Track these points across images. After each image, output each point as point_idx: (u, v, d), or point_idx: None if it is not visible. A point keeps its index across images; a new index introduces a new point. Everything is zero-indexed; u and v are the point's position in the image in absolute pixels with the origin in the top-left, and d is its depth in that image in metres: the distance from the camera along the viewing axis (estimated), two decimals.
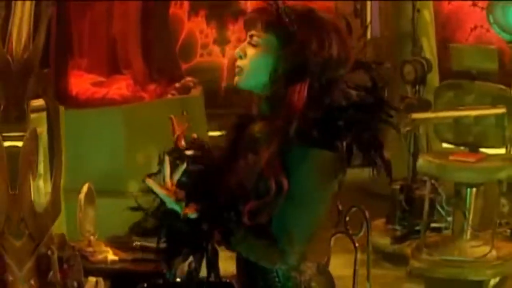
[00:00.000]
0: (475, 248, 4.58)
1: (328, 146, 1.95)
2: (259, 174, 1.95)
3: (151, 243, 3.01)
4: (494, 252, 4.47)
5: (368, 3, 5.77)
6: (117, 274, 2.93)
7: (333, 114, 1.96)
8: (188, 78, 5.44)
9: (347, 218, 2.36)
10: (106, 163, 4.49)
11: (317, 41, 1.98)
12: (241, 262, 2.15)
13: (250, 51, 2.04)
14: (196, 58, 6.57)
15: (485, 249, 4.52)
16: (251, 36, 2.04)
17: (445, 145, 5.14)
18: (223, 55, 6.94)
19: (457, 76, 4.97)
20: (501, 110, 4.47)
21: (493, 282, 4.44)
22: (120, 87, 4.79)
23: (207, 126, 5.19)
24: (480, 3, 6.81)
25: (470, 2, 6.84)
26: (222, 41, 6.93)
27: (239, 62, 2.06)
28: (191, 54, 6.56)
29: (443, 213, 4.93)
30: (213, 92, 6.22)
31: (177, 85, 5.31)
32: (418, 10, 5.11)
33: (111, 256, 3.01)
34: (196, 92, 5.41)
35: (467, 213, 4.60)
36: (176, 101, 5.10)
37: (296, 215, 1.97)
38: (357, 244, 2.48)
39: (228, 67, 6.92)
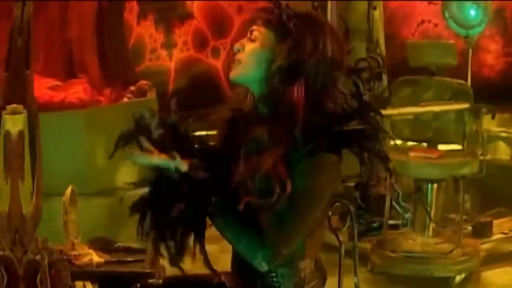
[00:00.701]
0: (438, 245, 4.56)
1: (332, 150, 2.00)
2: (263, 175, 1.98)
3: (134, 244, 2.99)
4: (459, 248, 4.45)
5: (329, 2, 5.71)
6: (104, 276, 2.85)
7: (338, 120, 2.01)
8: (143, 82, 5.39)
9: (330, 213, 2.34)
10: (68, 166, 4.45)
11: (312, 40, 2.05)
12: (238, 261, 2.15)
13: (248, 46, 2.12)
14: (145, 62, 6.42)
15: (448, 245, 4.50)
16: (251, 32, 2.13)
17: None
18: (170, 59, 6.83)
19: (404, 72, 4.92)
20: (464, 106, 4.45)
21: (459, 278, 4.40)
22: (78, 91, 4.72)
23: None
24: None
25: None
26: (169, 45, 6.80)
27: (237, 56, 2.14)
28: (140, 59, 6.40)
29: (400, 210, 4.87)
30: (161, 95, 6.10)
31: (132, 88, 5.25)
32: (375, 8, 5.06)
33: (96, 258, 2.92)
34: (152, 94, 5.33)
35: (428, 209, 4.57)
36: (134, 104, 5.10)
37: (294, 217, 2.00)
38: (341, 239, 2.51)
39: (175, 70, 6.81)
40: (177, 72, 6.83)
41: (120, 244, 3.09)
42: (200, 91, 6.79)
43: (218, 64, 7.04)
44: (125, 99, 5.17)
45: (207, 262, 2.07)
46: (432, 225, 4.63)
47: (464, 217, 4.89)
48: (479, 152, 4.65)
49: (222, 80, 7.07)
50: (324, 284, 2.25)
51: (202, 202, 2.00)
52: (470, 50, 5.41)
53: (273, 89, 2.05)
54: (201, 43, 6.89)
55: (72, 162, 4.54)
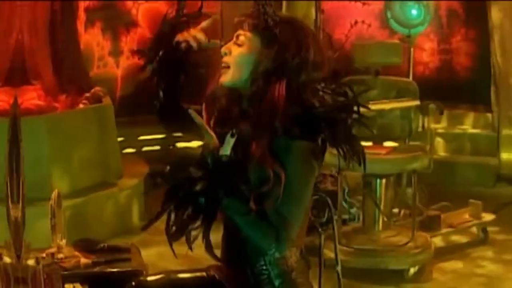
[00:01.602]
0: (390, 238, 4.59)
1: (308, 139, 2.06)
2: (255, 167, 2.02)
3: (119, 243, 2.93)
4: (412, 241, 4.49)
5: (284, 3, 5.73)
6: (94, 277, 2.81)
7: (311, 112, 2.07)
8: (97, 88, 5.32)
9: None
10: (29, 172, 4.26)
11: (296, 44, 2.12)
12: (229, 251, 2.20)
13: (235, 50, 2.17)
14: (93, 70, 6.34)
15: (401, 238, 4.54)
16: (237, 36, 2.18)
17: None
18: (117, 66, 6.77)
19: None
20: (414, 103, 4.50)
21: (412, 270, 4.44)
22: (33, 97, 4.59)
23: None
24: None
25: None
26: (116, 52, 6.75)
27: (224, 59, 2.18)
28: (88, 66, 6.32)
29: (345, 205, 4.90)
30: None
31: (87, 94, 5.17)
32: (323, 11, 5.09)
33: (83, 260, 2.87)
34: (107, 100, 5.27)
35: (378, 203, 4.60)
36: (93, 110, 5.07)
37: (289, 202, 2.05)
38: (320, 230, 2.57)
39: (122, 77, 6.76)
40: (124, 79, 6.78)
41: (104, 244, 3.07)
42: (145, 98, 6.74)
43: None
44: (81, 105, 5.10)
45: (210, 250, 2.04)
46: (382, 220, 4.66)
47: (408, 211, 4.96)
48: (427, 147, 4.70)
49: None
50: (308, 272, 2.30)
51: (219, 191, 1.96)
52: (412, 49, 5.48)
53: (257, 89, 2.12)
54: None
55: (33, 168, 4.40)
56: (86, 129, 5.00)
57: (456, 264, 4.67)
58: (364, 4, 6.86)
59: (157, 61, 2.27)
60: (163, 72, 2.28)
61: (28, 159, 4.39)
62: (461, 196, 5.37)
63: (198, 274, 2.33)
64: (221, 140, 2.02)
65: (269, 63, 2.10)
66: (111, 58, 6.72)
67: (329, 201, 2.55)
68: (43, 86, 4.92)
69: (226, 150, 1.97)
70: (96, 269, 2.86)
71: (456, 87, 6.77)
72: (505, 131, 6.44)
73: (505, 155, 6.46)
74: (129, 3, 6.78)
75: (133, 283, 2.32)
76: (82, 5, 6.03)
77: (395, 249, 4.45)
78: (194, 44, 2.23)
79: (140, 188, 5.38)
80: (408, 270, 4.42)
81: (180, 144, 6.81)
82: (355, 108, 2.09)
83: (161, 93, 2.31)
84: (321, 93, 2.11)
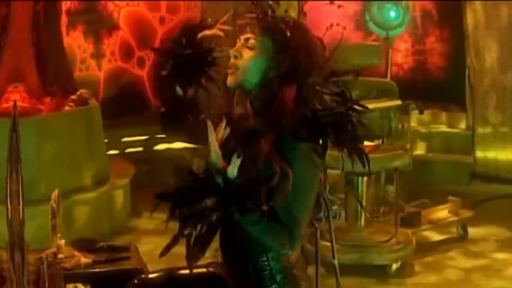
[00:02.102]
0: (373, 234, 4.64)
1: (313, 140, 2.08)
2: (262, 163, 2.02)
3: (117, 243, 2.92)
4: (394, 237, 4.55)
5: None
6: (95, 276, 2.79)
7: (317, 116, 2.08)
8: (83, 90, 5.25)
9: None
10: None
11: (306, 48, 2.12)
12: (230, 248, 2.20)
13: (247, 53, 2.14)
14: (75, 72, 6.29)
15: (383, 235, 4.59)
16: (247, 39, 2.14)
17: None
18: (99, 69, 6.75)
19: None
20: (396, 103, 4.55)
21: (395, 266, 4.49)
22: (16, 99, 4.49)
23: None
24: (337, 2, 6.96)
25: (327, 1, 6.95)
26: (98, 55, 6.72)
27: (234, 61, 2.14)
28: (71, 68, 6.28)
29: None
30: None
31: (73, 97, 5.10)
32: (306, 14, 5.12)
33: (83, 259, 2.86)
34: (93, 103, 5.24)
35: (360, 201, 4.65)
36: (80, 112, 5.03)
37: (298, 201, 2.07)
38: (316, 225, 2.56)
39: (104, 80, 6.73)
40: (106, 82, 6.76)
41: (103, 243, 3.05)
42: (127, 100, 6.75)
43: (143, 74, 7.00)
44: (67, 108, 5.04)
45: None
46: (364, 216, 4.71)
47: (387, 208, 5.02)
48: (408, 146, 4.76)
49: (147, 89, 7.03)
50: (307, 268, 2.35)
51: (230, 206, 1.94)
52: (390, 51, 5.53)
53: (269, 91, 2.11)
54: (127, 53, 6.87)
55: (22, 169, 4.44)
56: (74, 131, 4.96)
57: (436, 260, 4.73)
58: (339, 6, 6.92)
59: (181, 57, 2.25)
60: (184, 69, 2.27)
61: None
62: (438, 194, 5.43)
63: (199, 270, 2.31)
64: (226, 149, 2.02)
65: (281, 67, 2.10)
66: (93, 60, 6.69)
67: (326, 198, 2.57)
68: (26, 88, 4.87)
69: (233, 172, 1.89)
70: (99, 268, 2.85)
71: (430, 87, 6.85)
72: (480, 130, 6.53)
73: (480, 153, 6.55)
74: (111, 7, 6.75)
75: (136, 281, 2.32)
76: (63, 7, 5.92)
77: (378, 245, 4.50)
78: (221, 33, 2.25)
79: (127, 189, 5.37)
80: (391, 265, 4.47)
81: (163, 146, 6.82)
82: (358, 110, 2.12)
83: (179, 89, 2.28)
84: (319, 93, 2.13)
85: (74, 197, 4.72)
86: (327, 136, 2.09)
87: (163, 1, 6.98)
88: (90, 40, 6.62)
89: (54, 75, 5.05)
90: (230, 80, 2.17)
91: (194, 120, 2.36)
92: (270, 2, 2.17)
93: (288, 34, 2.10)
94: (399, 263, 4.50)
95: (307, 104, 2.09)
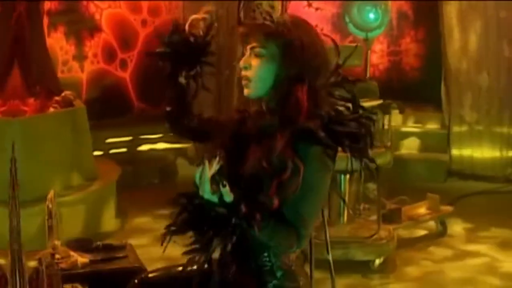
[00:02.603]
0: (356, 231, 4.67)
1: (327, 145, 2.06)
2: (275, 158, 2.02)
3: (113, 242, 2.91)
4: (377, 233, 4.59)
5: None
6: (93, 276, 2.77)
7: (333, 121, 2.06)
8: (67, 92, 5.20)
9: None
10: (2, 174, 4.22)
11: (311, 45, 2.11)
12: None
13: (255, 62, 2.14)
14: (57, 74, 6.24)
15: (366, 231, 4.63)
16: (253, 48, 2.15)
17: None
18: (82, 71, 6.72)
19: None
20: (378, 102, 4.59)
21: (378, 261, 4.54)
22: None
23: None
24: (315, 4, 7.01)
25: (305, 3, 6.99)
26: (80, 57, 6.68)
27: (246, 73, 2.16)
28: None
29: None
30: None
31: (57, 98, 5.06)
32: None
33: (80, 259, 2.84)
34: (79, 104, 5.21)
35: (343, 198, 4.69)
36: (67, 113, 4.98)
37: (308, 202, 2.07)
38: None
39: (87, 81, 6.71)
40: (88, 84, 6.73)
41: (99, 242, 3.03)
42: (110, 102, 6.74)
43: (126, 76, 6.99)
44: (51, 109, 4.98)
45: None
46: (347, 213, 4.76)
47: (367, 205, 5.07)
48: (389, 144, 4.81)
49: (130, 91, 7.02)
50: (304, 263, 2.38)
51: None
52: (369, 52, 5.57)
53: (282, 91, 2.11)
54: (109, 55, 6.85)
55: (5, 170, 4.37)
56: (60, 132, 4.92)
57: (417, 255, 4.78)
58: (317, 9, 6.96)
59: (179, 48, 2.30)
60: (184, 59, 2.32)
61: (1, 161, 4.34)
62: (415, 191, 5.48)
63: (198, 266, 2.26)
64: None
65: (290, 69, 2.09)
66: (75, 62, 6.66)
67: None
68: (9, 89, 4.82)
69: (229, 197, 1.92)
70: (92, 268, 2.83)
71: (406, 87, 6.93)
72: (456, 129, 6.61)
73: (455, 151, 6.64)
74: (92, 8, 6.72)
75: (136, 281, 2.31)
76: (44, 7, 5.87)
77: (361, 241, 4.53)
78: (207, 16, 2.29)
79: (113, 190, 5.35)
80: (374, 261, 4.52)
81: (146, 147, 6.81)
82: (372, 118, 2.12)
83: (182, 79, 2.32)
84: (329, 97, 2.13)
85: (61, 198, 4.68)
86: (343, 145, 2.08)
87: (144, 0, 6.95)
88: (72, 42, 6.59)
89: (37, 76, 5.00)
90: (246, 92, 2.17)
91: (198, 119, 2.38)
92: (265, 7, 2.16)
93: (291, 35, 2.09)
94: (381, 259, 4.54)
95: (319, 106, 2.08)
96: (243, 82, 2.16)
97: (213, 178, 1.89)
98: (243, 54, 2.20)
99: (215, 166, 1.89)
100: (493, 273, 4.50)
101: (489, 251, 4.85)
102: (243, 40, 2.17)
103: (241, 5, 2.23)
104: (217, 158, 1.89)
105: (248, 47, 2.15)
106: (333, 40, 2.21)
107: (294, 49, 2.09)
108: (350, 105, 2.13)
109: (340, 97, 2.13)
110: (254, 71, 2.14)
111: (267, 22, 2.10)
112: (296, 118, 2.05)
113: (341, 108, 2.12)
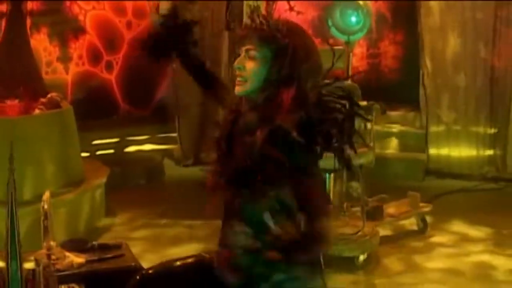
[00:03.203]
0: (341, 228, 4.71)
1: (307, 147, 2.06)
2: (257, 153, 2.03)
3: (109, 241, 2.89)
4: (361, 230, 4.64)
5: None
6: (90, 276, 2.74)
7: (312, 121, 2.05)
8: (54, 93, 5.13)
9: None
10: None
11: (303, 50, 2.16)
12: (226, 237, 2.16)
13: (249, 64, 2.20)
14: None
15: (351, 228, 4.67)
16: (247, 51, 2.20)
17: None
18: (67, 72, 6.67)
19: None
20: (362, 103, 4.63)
21: (362, 257, 4.59)
22: None
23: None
24: (296, 7, 7.04)
25: (287, 7, 7.02)
26: (65, 58, 6.63)
27: (240, 73, 2.21)
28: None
29: None
30: None
31: (43, 100, 4.98)
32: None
33: (76, 259, 2.80)
34: (66, 105, 5.16)
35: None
36: (54, 115, 4.93)
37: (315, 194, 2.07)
38: None
39: (72, 83, 6.67)
40: (74, 85, 6.69)
41: (94, 242, 3.01)
42: (96, 103, 6.70)
43: (112, 78, 6.96)
44: (37, 111, 4.92)
45: None
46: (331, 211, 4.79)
47: (349, 203, 5.10)
48: (371, 144, 4.85)
49: (115, 93, 6.99)
50: None
51: None
52: (351, 55, 5.61)
53: (269, 92, 2.15)
54: (95, 57, 6.81)
55: None
56: (48, 134, 4.86)
57: (399, 250, 4.84)
58: (298, 13, 7.00)
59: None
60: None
61: None
62: (395, 189, 5.54)
63: (194, 259, 2.34)
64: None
65: (281, 72, 2.13)
66: (59, 64, 6.61)
67: None
68: None
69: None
70: (89, 268, 2.80)
71: (384, 89, 6.99)
72: (433, 128, 6.69)
73: (433, 151, 6.71)
74: (76, 9, 6.67)
75: (138, 277, 2.30)
76: (27, 8, 5.76)
77: (346, 238, 4.58)
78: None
79: (101, 191, 5.32)
80: (359, 257, 4.57)
81: (133, 148, 6.79)
82: (363, 115, 2.13)
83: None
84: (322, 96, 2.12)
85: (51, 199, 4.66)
86: (316, 144, 2.08)
87: (129, 0, 6.92)
88: (55, 43, 6.53)
89: (21, 78, 4.94)
90: (237, 90, 2.23)
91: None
92: (263, 11, 2.20)
93: (285, 41, 2.13)
94: (366, 255, 4.60)
95: (307, 106, 2.08)
96: (237, 81, 2.22)
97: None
98: (238, 55, 2.25)
99: None
100: (471, 266, 4.58)
101: (468, 246, 4.93)
102: (239, 41, 2.23)
103: (228, 10, 2.27)
104: None
105: (243, 48, 2.21)
106: (330, 46, 2.24)
107: (286, 54, 2.13)
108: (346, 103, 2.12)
109: (336, 96, 2.13)
110: (248, 73, 2.20)
111: (263, 27, 2.14)
112: (274, 117, 2.06)
113: (338, 106, 2.11)
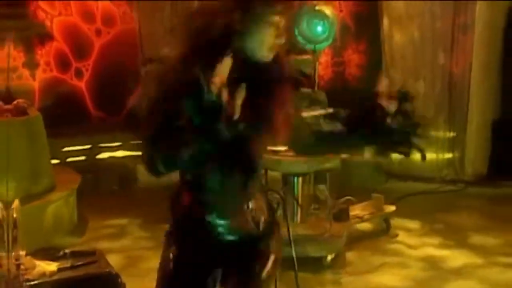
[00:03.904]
0: (309, 229, 4.80)
1: None
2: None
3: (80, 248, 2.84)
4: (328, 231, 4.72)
5: None
6: (63, 284, 2.70)
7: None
8: (20, 100, 5.03)
9: None
10: None
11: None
12: None
13: None
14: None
15: (318, 229, 4.75)
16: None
17: None
18: (34, 79, 6.55)
19: None
20: (328, 111, 4.70)
21: (330, 257, 4.68)
22: None
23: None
24: None
25: None
26: (31, 65, 6.52)
27: None
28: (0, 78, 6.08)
29: None
30: None
31: (9, 106, 4.88)
32: None
33: (48, 268, 2.73)
34: (34, 112, 5.07)
35: (297, 198, 4.81)
36: (21, 122, 4.85)
37: None
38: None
39: (39, 89, 6.58)
40: (41, 92, 6.60)
41: (66, 250, 2.94)
42: (65, 110, 6.60)
43: (82, 85, 6.89)
44: (4, 118, 4.80)
45: None
46: (300, 213, 4.88)
47: (316, 205, 5.18)
48: None
49: (86, 100, 6.92)
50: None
51: None
52: (317, 63, 5.69)
53: None
54: (63, 64, 6.71)
55: None
56: (15, 141, 4.75)
57: (365, 250, 4.96)
58: None
59: None
60: None
61: None
62: (359, 192, 5.62)
63: None
64: None
65: None
66: (26, 70, 6.49)
67: (283, 199, 2.64)
68: None
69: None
70: (61, 276, 2.74)
71: (348, 96, 7.07)
72: None
73: (394, 154, 6.78)
74: (42, 14, 6.53)
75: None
76: None
77: (314, 239, 4.66)
78: None
79: (73, 198, 5.25)
80: (326, 257, 4.65)
81: (106, 154, 6.75)
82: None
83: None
84: None
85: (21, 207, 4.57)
86: None
87: (98, 1, 6.83)
88: (20, 49, 6.41)
89: None
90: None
91: None
92: None
93: None
94: (333, 255, 4.67)
95: None
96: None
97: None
98: None
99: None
100: (436, 266, 4.70)
101: (431, 246, 5.06)
102: None
103: None
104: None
105: None
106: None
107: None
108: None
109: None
110: None
111: None
112: None
113: None
